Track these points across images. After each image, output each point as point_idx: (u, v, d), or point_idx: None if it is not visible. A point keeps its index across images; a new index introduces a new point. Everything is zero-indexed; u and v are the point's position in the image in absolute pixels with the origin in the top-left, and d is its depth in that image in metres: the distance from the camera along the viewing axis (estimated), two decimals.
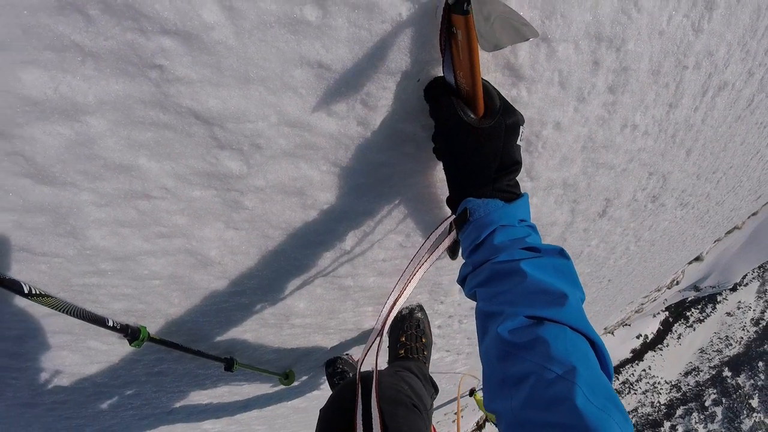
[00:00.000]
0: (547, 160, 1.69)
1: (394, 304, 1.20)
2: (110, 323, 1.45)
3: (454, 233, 1.23)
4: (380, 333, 1.24)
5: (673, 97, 1.78)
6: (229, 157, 1.12)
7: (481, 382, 0.93)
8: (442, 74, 1.06)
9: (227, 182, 1.18)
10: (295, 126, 1.10)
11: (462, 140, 1.02)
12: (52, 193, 1.06)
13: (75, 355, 1.77)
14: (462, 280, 1.13)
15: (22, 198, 1.05)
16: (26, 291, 1.20)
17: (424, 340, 2.26)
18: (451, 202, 1.17)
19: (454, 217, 1.16)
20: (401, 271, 1.94)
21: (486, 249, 1.02)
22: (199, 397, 2.59)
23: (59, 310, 1.31)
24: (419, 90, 1.12)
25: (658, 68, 1.52)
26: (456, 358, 4.10)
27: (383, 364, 2.31)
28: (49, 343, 1.63)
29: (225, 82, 0.96)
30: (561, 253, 0.98)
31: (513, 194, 1.08)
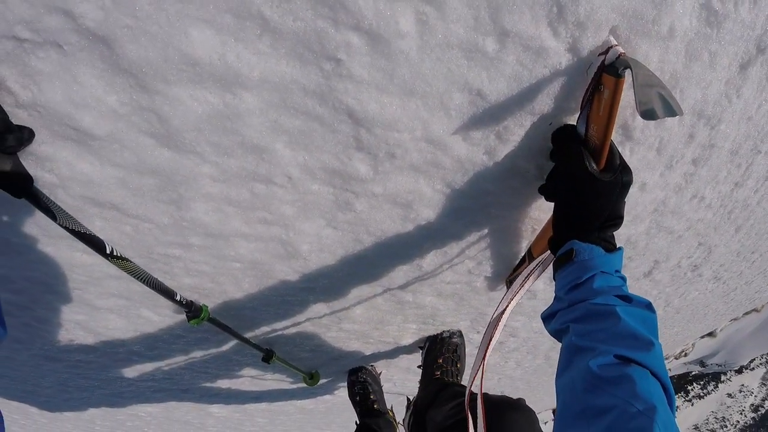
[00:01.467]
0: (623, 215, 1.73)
1: (495, 328, 1.32)
2: (178, 297, 1.43)
3: (538, 271, 1.33)
4: (483, 360, 1.31)
5: (741, 177, 1.85)
6: (362, 160, 1.12)
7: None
8: (572, 123, 1.12)
9: (348, 183, 1.18)
10: (433, 143, 1.11)
11: (581, 188, 1.06)
12: (173, 158, 1.05)
13: (122, 320, 1.76)
14: (551, 315, 1.18)
15: (137, 156, 1.04)
16: (108, 251, 1.16)
17: (459, 365, 2.25)
18: (554, 242, 1.20)
19: (552, 255, 1.22)
20: (457, 295, 1.94)
21: (585, 290, 1.07)
22: (220, 382, 2.59)
23: (134, 276, 1.27)
24: (548, 132, 1.15)
25: (737, 149, 1.60)
26: None
27: (416, 382, 2.29)
28: (99, 304, 1.63)
29: (391, 90, 0.96)
30: (648, 306, 1.03)
31: (612, 245, 1.13)
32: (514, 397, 1.52)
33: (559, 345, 1.11)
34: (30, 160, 1.01)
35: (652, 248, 2.13)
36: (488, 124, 1.10)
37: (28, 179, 0.94)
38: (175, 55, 0.84)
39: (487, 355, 1.31)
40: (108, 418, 3.42)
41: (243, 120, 0.97)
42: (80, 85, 0.88)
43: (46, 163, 1.02)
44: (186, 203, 1.18)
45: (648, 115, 0.84)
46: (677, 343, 7.32)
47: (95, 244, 1.12)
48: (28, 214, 1.18)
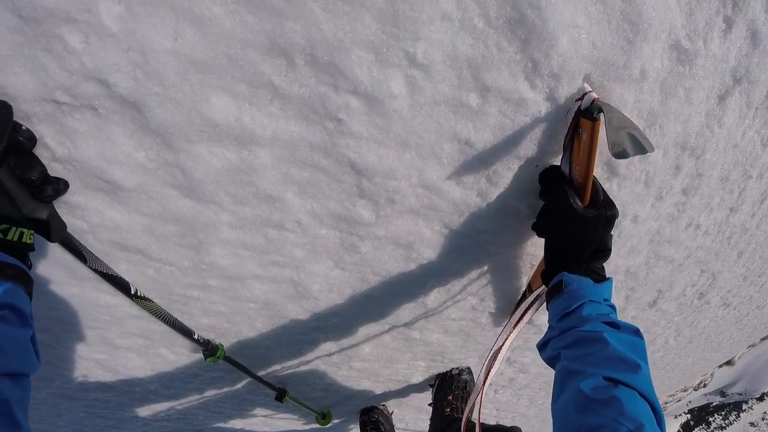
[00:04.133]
0: (619, 248, 1.77)
1: (494, 360, 1.37)
2: (196, 336, 1.50)
3: (536, 304, 1.37)
4: (482, 389, 1.37)
5: (735, 203, 1.87)
6: (365, 206, 1.22)
7: None
8: (557, 164, 1.20)
9: (353, 227, 1.27)
10: (428, 189, 1.21)
11: (568, 223, 1.14)
12: (194, 207, 1.15)
13: (141, 359, 1.82)
14: (544, 343, 1.24)
15: (162, 206, 1.14)
16: (132, 292, 1.26)
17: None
18: (546, 274, 1.27)
19: (546, 288, 1.28)
20: (463, 332, 1.98)
21: (575, 318, 1.13)
22: (233, 422, 2.61)
23: (155, 316, 1.36)
24: (535, 174, 1.24)
25: (727, 176, 1.63)
26: None
27: (428, 421, 2.32)
28: (119, 343, 1.70)
29: (387, 143, 1.07)
30: (636, 332, 1.09)
31: (601, 276, 1.20)
32: None
33: None
34: (63, 208, 1.09)
35: (653, 278, 2.15)
36: (478, 169, 1.18)
37: (62, 226, 1.02)
38: (197, 118, 0.95)
39: (485, 386, 1.35)
40: None
41: (257, 173, 1.08)
42: (112, 143, 0.98)
43: (78, 210, 1.11)
44: (205, 248, 1.27)
45: (620, 155, 0.91)
46: (695, 374, 7.10)
47: (121, 285, 1.21)
48: (58, 257, 1.26)
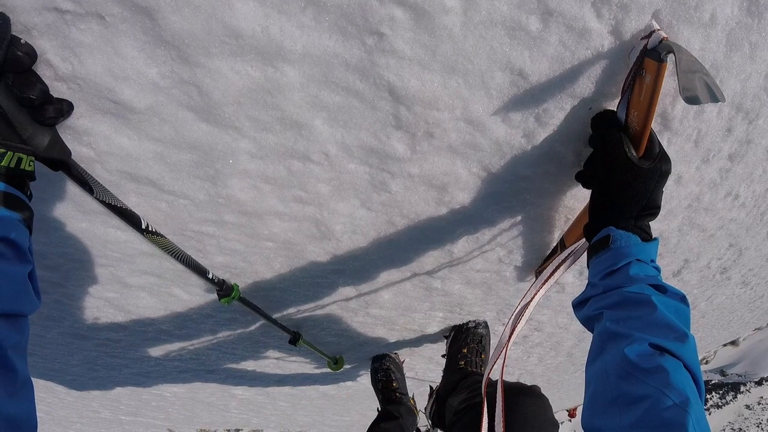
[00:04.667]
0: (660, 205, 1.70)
1: (520, 316, 1.29)
2: (210, 275, 1.44)
3: (569, 261, 1.31)
4: (506, 345, 1.29)
5: None
6: (400, 139, 1.11)
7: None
8: (612, 108, 1.11)
9: (385, 162, 1.17)
10: (472, 123, 1.10)
11: (620, 174, 1.06)
12: (211, 133, 1.06)
13: (153, 299, 1.79)
14: (583, 301, 1.17)
15: (176, 131, 1.05)
16: (143, 226, 1.17)
17: (483, 356, 2.24)
18: (590, 228, 1.19)
19: (586, 243, 1.21)
20: (486, 284, 1.92)
21: (621, 276, 1.06)
22: (246, 363, 2.62)
23: (167, 252, 1.28)
24: (587, 117, 1.14)
25: None
26: None
27: (438, 372, 2.29)
28: (131, 281, 1.66)
29: (433, 67, 0.95)
30: (683, 299, 1.02)
31: (649, 235, 1.12)
32: None
33: (582, 343, 1.10)
34: (68, 134, 1.02)
35: (683, 246, 2.10)
36: (528, 106, 1.08)
37: (66, 152, 0.95)
38: (218, 27, 0.84)
39: (510, 343, 1.30)
40: (134, 397, 3.50)
41: (283, 94, 0.97)
42: (121, 57, 0.88)
43: (84, 137, 1.04)
44: (222, 180, 1.18)
45: (691, 100, 0.83)
46: (700, 350, 7.20)
47: (131, 218, 1.13)
48: (64, 189, 1.20)
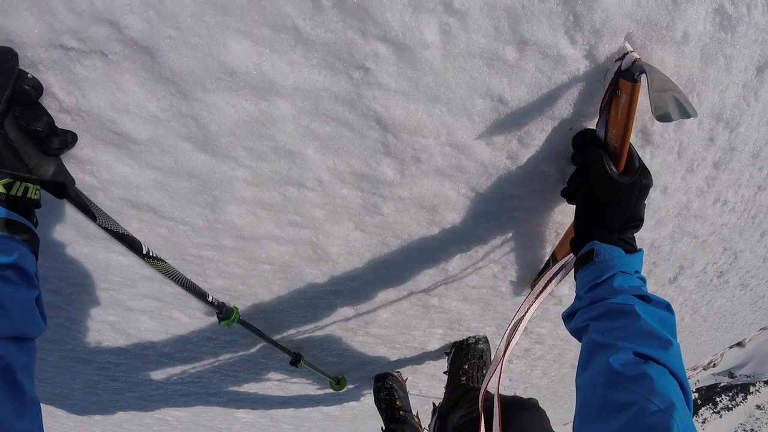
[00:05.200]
0: (646, 219, 1.72)
1: (515, 330, 1.32)
2: (210, 298, 1.47)
3: (561, 274, 1.33)
4: (501, 359, 1.32)
5: (764, 181, 1.83)
6: (389, 165, 1.16)
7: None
8: (592, 127, 1.15)
9: (376, 187, 1.22)
10: (457, 148, 1.15)
11: (601, 190, 1.09)
12: (209, 162, 1.10)
13: (153, 322, 1.82)
14: (571, 314, 1.20)
15: (175, 160, 1.09)
16: (144, 252, 1.21)
17: (484, 371, 2.25)
18: (576, 243, 1.22)
19: (573, 257, 1.24)
20: (483, 300, 1.95)
21: (605, 288, 1.09)
22: (247, 386, 2.63)
23: (167, 277, 1.32)
24: (568, 137, 1.17)
25: (758, 152, 1.58)
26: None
27: (442, 389, 2.30)
28: (132, 305, 1.68)
29: (416, 97, 1.00)
30: (668, 307, 1.05)
31: (632, 247, 1.15)
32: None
33: None
34: (72, 163, 1.06)
35: (676, 253, 2.12)
36: (510, 129, 1.12)
37: (70, 180, 0.98)
38: (214, 64, 0.89)
39: (506, 356, 1.32)
40: (135, 422, 3.47)
41: (276, 126, 1.02)
42: (123, 92, 0.93)
43: (87, 166, 1.07)
44: (220, 206, 1.23)
45: (663, 118, 0.86)
46: (705, 353, 7.15)
47: (132, 244, 1.17)
48: (67, 215, 1.24)
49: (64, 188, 0.96)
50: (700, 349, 5.92)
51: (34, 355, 0.86)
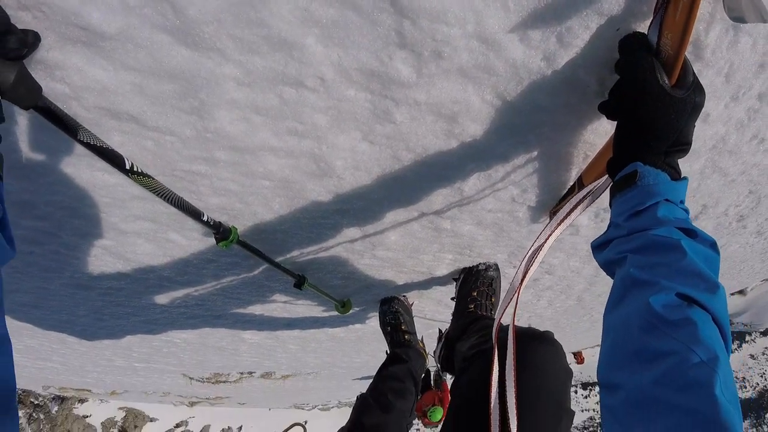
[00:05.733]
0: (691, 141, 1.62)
1: (533, 258, 1.24)
2: (205, 218, 1.35)
3: (587, 201, 1.24)
4: (518, 289, 1.24)
5: None
6: (404, 60, 0.99)
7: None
8: (643, 30, 1.01)
9: (388, 87, 1.05)
10: (486, 42, 0.98)
11: (651, 103, 0.97)
12: (192, 58, 0.95)
13: (150, 245, 1.73)
14: (604, 243, 1.10)
15: (153, 57, 0.94)
16: (127, 167, 1.08)
17: (493, 299, 2.19)
18: (615, 163, 1.10)
19: (617, 178, 1.10)
20: (497, 225, 1.84)
21: (647, 217, 0.99)
22: (252, 308, 2.60)
23: (156, 194, 1.19)
24: (615, 39, 1.02)
25: None
26: None
27: (448, 315, 2.25)
28: (125, 227, 1.60)
29: None
30: (713, 246, 0.96)
31: (678, 173, 1.05)
32: None
33: (593, 287, 1.03)
34: (39, 69, 0.93)
35: (703, 190, 2.03)
36: (550, 23, 0.96)
37: (36, 88, 0.87)
38: None
39: (522, 287, 1.24)
40: (144, 344, 3.55)
41: (269, 7, 0.85)
42: None
43: (56, 71, 0.94)
44: (209, 111, 1.08)
45: (737, 18, 0.81)
46: None
47: (114, 159, 1.04)
48: (42, 131, 1.12)
49: (28, 97, 0.85)
50: None
51: (1, 285, 0.77)
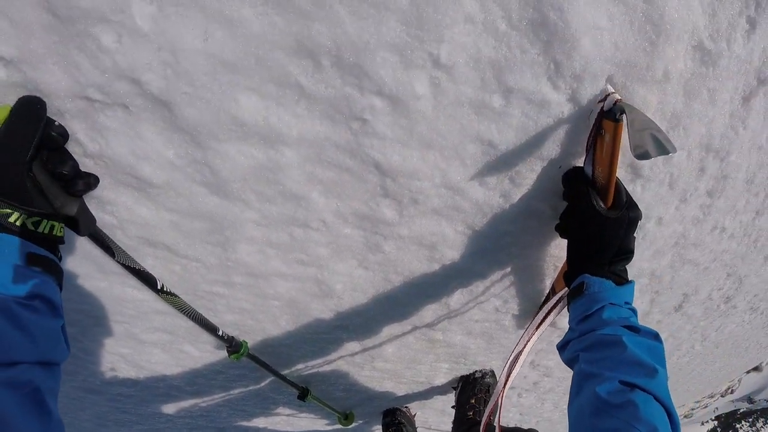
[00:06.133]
0: (643, 250, 1.77)
1: (515, 362, 1.39)
2: (220, 332, 1.53)
3: (559, 306, 1.38)
4: (502, 391, 1.38)
5: (761, 205, 1.85)
6: (388, 206, 1.23)
7: None
8: (580, 165, 1.20)
9: (377, 226, 1.29)
10: (451, 189, 1.22)
11: (590, 224, 1.14)
12: (221, 205, 1.18)
13: (165, 355, 1.86)
14: (564, 345, 1.25)
15: (190, 202, 1.17)
16: (159, 287, 1.28)
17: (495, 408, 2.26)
18: (568, 276, 1.28)
19: (568, 290, 1.28)
20: (487, 334, 1.98)
21: (594, 320, 1.13)
22: (256, 420, 2.64)
23: (180, 311, 1.38)
24: (558, 175, 1.23)
25: (752, 178, 1.61)
26: None
27: (450, 424, 2.31)
28: (144, 338, 1.74)
29: (411, 144, 1.08)
30: (656, 336, 1.08)
31: (623, 279, 1.19)
32: None
33: None
34: (93, 203, 1.13)
35: (678, 281, 2.13)
36: (501, 170, 1.19)
37: (91, 219, 1.04)
38: (226, 117, 0.98)
39: (506, 388, 1.36)
40: None
41: (283, 172, 1.10)
42: (143, 140, 1.01)
43: (108, 206, 1.15)
44: (231, 245, 1.30)
45: (642, 156, 0.91)
46: (722, 380, 6.97)
47: (148, 280, 1.24)
48: (86, 251, 1.29)
49: (86, 226, 1.02)
50: (715, 376, 5.79)
51: (59, 379, 0.91)
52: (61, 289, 0.97)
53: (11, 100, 0.86)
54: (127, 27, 0.82)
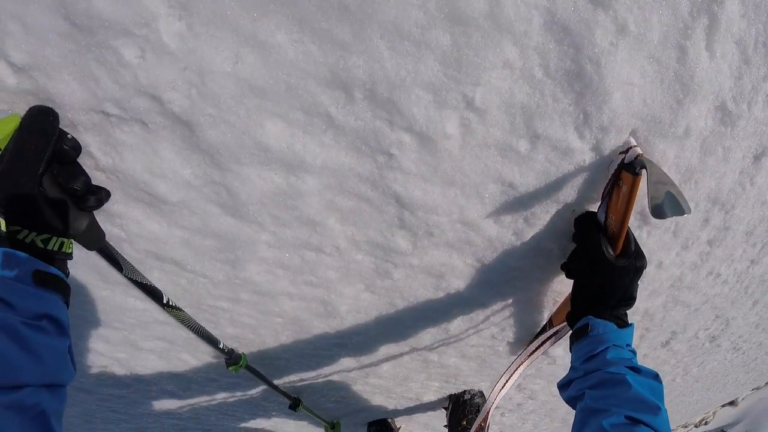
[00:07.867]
0: (640, 290, 1.79)
1: (503, 388, 1.43)
2: (221, 345, 1.53)
3: (554, 338, 1.43)
4: (487, 414, 1.43)
5: (757, 255, 1.90)
6: (403, 237, 1.24)
7: None
8: (594, 211, 1.23)
9: (389, 255, 1.30)
10: (467, 225, 1.23)
11: (598, 270, 1.17)
12: (236, 225, 1.17)
13: (161, 361, 1.85)
14: (566, 383, 1.28)
15: (203, 222, 1.16)
16: (164, 301, 1.27)
17: (482, 424, 2.29)
18: (572, 316, 1.30)
19: (567, 325, 1.33)
20: (480, 357, 2.00)
21: (599, 360, 1.16)
22: (245, 425, 2.64)
23: (183, 324, 1.38)
24: (571, 218, 1.26)
25: (752, 230, 1.66)
26: None
27: None
28: (142, 345, 1.73)
29: (434, 180, 1.09)
30: (656, 377, 1.13)
31: (624, 322, 1.24)
32: None
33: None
34: (102, 215, 1.09)
35: (669, 320, 2.18)
36: (518, 210, 1.21)
37: (101, 235, 1.01)
38: (250, 141, 0.96)
39: (492, 409, 1.40)
40: None
41: (302, 198, 1.10)
42: (159, 157, 0.98)
43: (117, 219, 1.13)
44: (241, 264, 1.29)
45: (658, 213, 0.92)
46: (697, 412, 7.11)
47: (154, 294, 1.22)
48: (89, 260, 1.25)
49: (95, 242, 0.99)
50: (692, 408, 5.89)
51: (65, 401, 0.89)
52: (68, 306, 0.95)
53: (21, 108, 0.83)
54: (152, 42, 0.79)
